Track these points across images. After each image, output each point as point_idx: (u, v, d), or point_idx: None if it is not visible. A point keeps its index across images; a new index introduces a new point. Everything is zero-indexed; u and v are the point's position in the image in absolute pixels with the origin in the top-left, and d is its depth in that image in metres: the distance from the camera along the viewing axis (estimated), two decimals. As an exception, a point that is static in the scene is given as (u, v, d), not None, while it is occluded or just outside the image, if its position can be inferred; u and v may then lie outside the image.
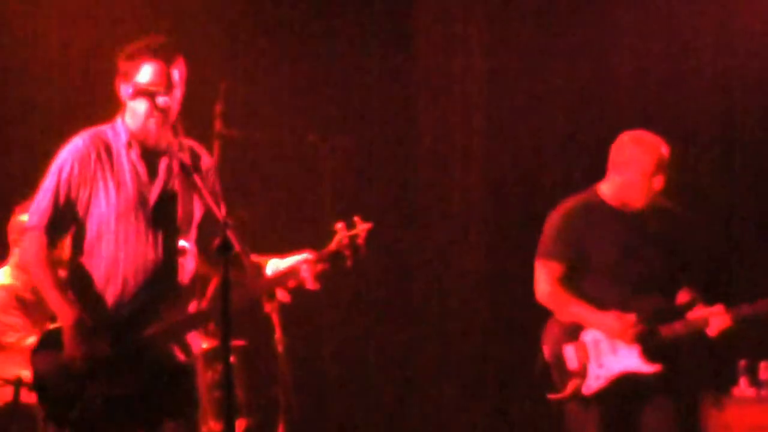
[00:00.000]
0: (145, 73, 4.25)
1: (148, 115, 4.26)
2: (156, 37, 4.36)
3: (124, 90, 4.30)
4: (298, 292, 5.17)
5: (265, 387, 6.14)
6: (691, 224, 5.79)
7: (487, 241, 7.52)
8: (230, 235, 3.81)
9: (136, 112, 4.29)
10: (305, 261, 4.29)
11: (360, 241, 4.37)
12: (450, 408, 7.56)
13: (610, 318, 5.28)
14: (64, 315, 4.20)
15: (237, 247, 3.83)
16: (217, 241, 3.80)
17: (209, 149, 5.76)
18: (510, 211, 7.47)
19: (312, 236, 4.51)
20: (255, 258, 4.43)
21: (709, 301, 5.45)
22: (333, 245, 4.35)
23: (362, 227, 4.39)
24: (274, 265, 4.41)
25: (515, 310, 6.76)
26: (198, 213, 4.44)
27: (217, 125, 6.19)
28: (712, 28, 7.27)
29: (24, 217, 4.48)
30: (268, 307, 5.51)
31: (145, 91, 4.24)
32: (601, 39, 7.45)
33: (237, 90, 6.92)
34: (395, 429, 7.61)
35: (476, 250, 7.61)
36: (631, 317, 5.25)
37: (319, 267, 4.32)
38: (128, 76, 4.27)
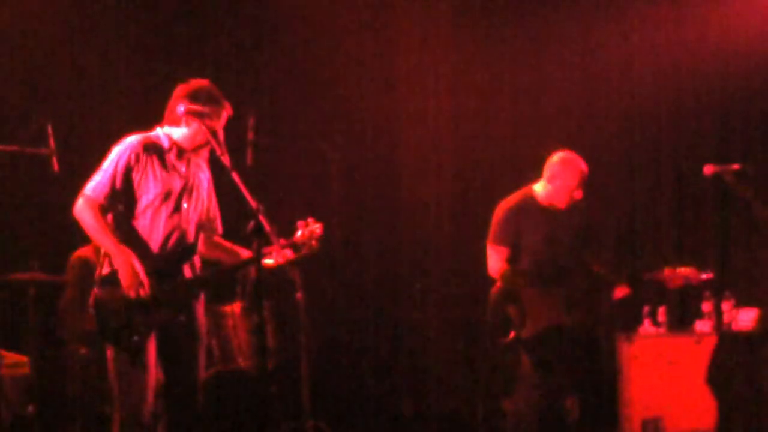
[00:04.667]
0: (223, 112, 4.72)
1: (208, 143, 4.68)
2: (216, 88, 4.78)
3: (189, 113, 4.67)
4: (316, 265, 5.87)
5: (290, 334, 6.33)
6: (596, 216, 6.34)
7: (454, 231, 7.90)
8: (261, 219, 4.21)
9: (195, 135, 4.72)
10: (275, 247, 4.55)
11: (315, 236, 4.80)
12: (429, 351, 7.97)
13: None
14: (122, 259, 4.53)
15: (267, 228, 4.24)
16: (251, 224, 4.22)
17: (244, 155, 6.22)
18: (471, 209, 7.77)
19: (321, 222, 4.81)
20: (239, 248, 4.91)
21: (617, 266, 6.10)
22: (296, 239, 4.78)
23: (316, 227, 4.80)
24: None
25: (476, 282, 6.91)
26: (203, 206, 4.86)
27: (251, 135, 6.39)
28: (618, 72, 7.80)
29: None
30: (293, 273, 5.75)
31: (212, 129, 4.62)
32: (534, 84, 7.86)
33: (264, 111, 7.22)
34: (387, 364, 7.91)
35: (447, 238, 8.00)
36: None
37: (285, 252, 4.69)
38: (205, 107, 4.65)
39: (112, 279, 4.58)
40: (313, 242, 4.79)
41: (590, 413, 6.18)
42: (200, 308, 4.80)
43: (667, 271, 5.92)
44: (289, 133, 7.73)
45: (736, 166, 5.56)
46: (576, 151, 7.01)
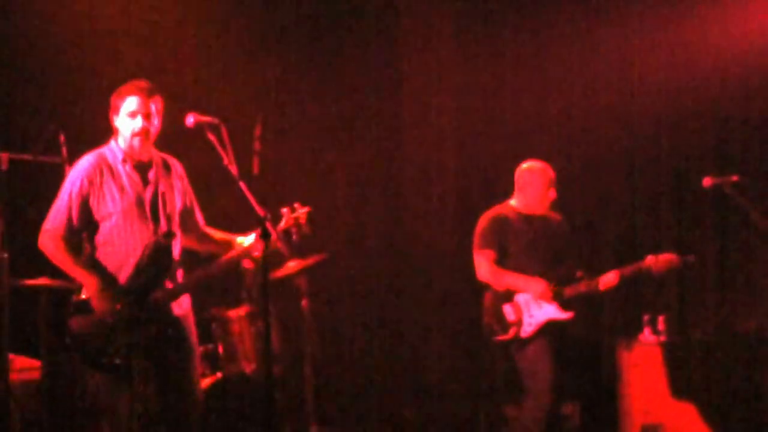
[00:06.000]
0: (130, 103, 4.63)
1: (133, 135, 4.63)
2: (138, 80, 4.71)
3: (115, 118, 4.65)
4: (322, 270, 5.94)
5: (295, 340, 6.42)
6: (568, 226, 6.36)
7: (457, 231, 7.80)
8: (268, 226, 4.24)
9: (124, 134, 4.65)
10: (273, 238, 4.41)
11: (302, 221, 4.66)
12: (431, 356, 8.05)
13: (535, 282, 5.99)
14: (91, 285, 4.53)
15: (274, 234, 4.28)
16: (258, 231, 4.23)
17: (250, 163, 6.17)
18: (472, 209, 7.27)
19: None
20: (226, 235, 4.90)
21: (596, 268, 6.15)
22: (282, 225, 4.65)
23: (302, 211, 4.68)
24: (240, 241, 4.80)
25: (481, 287, 6.56)
26: (179, 205, 4.80)
27: (257, 144, 6.38)
28: (618, 73, 7.73)
29: None
30: (299, 280, 6.11)
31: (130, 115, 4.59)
32: (536, 85, 7.87)
33: (270, 119, 7.23)
34: (392, 371, 7.95)
35: (449, 237, 8.00)
36: (547, 283, 5.95)
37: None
38: (117, 108, 4.63)
39: (87, 305, 4.54)
40: (303, 227, 4.67)
41: (591, 420, 6.26)
42: (189, 318, 4.76)
43: (649, 259, 6.07)
44: (293, 135, 7.70)
45: (734, 178, 5.58)
46: (577, 151, 7.21)
